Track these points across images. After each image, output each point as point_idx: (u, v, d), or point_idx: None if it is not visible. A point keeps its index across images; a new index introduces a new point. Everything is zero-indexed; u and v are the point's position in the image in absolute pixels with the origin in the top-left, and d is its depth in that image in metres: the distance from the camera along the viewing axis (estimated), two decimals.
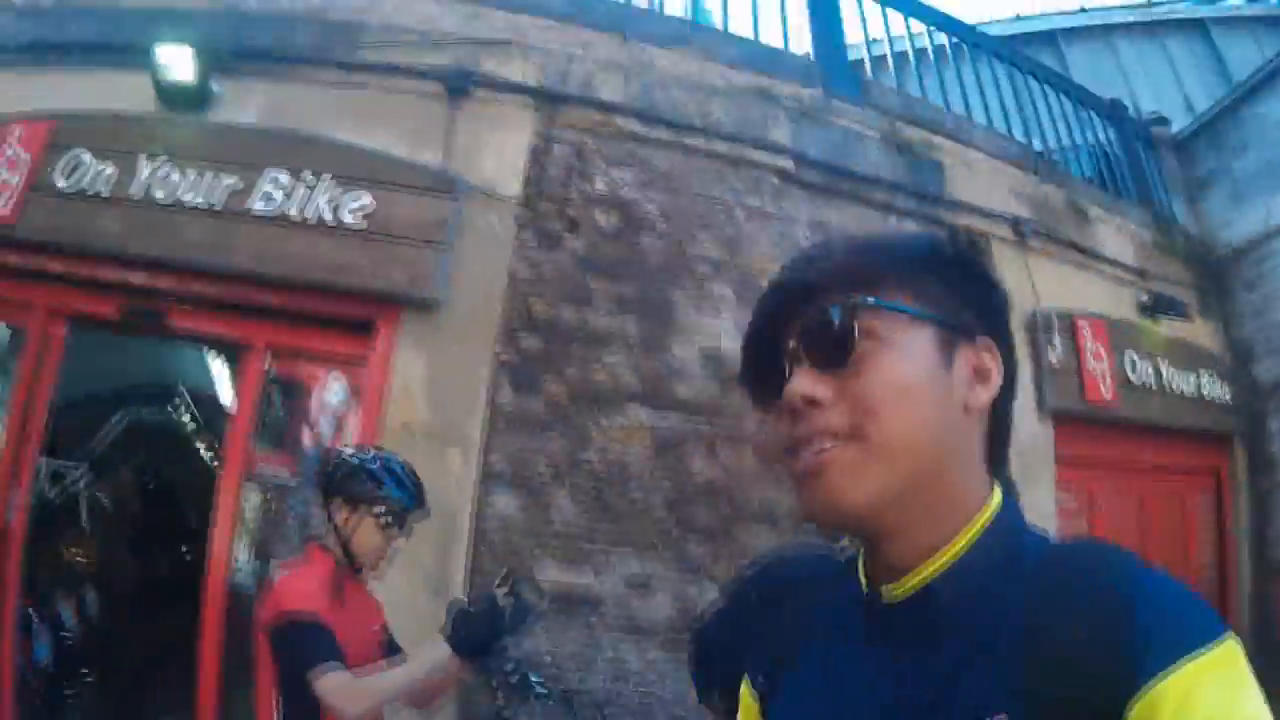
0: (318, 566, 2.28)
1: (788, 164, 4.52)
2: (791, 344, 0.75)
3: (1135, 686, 0.58)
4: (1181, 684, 0.57)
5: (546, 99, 4.40)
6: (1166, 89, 7.97)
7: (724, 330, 4.30)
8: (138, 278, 3.99)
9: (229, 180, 3.97)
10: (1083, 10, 9.41)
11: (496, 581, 2.20)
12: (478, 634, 2.07)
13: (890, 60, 6.05)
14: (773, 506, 4.21)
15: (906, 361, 0.73)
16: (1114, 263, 5.82)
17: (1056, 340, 5.05)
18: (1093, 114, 6.28)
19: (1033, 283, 5.19)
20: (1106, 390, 5.24)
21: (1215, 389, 5.99)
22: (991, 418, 0.77)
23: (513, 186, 4.28)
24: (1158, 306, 5.76)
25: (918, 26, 6.06)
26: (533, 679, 3.26)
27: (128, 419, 6.80)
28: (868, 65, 6.31)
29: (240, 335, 4.20)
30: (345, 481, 2.37)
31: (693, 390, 4.23)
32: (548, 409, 4.06)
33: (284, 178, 4.03)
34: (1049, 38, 9.22)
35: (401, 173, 4.11)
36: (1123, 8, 9.49)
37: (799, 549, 2.39)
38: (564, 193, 4.27)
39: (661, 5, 5.03)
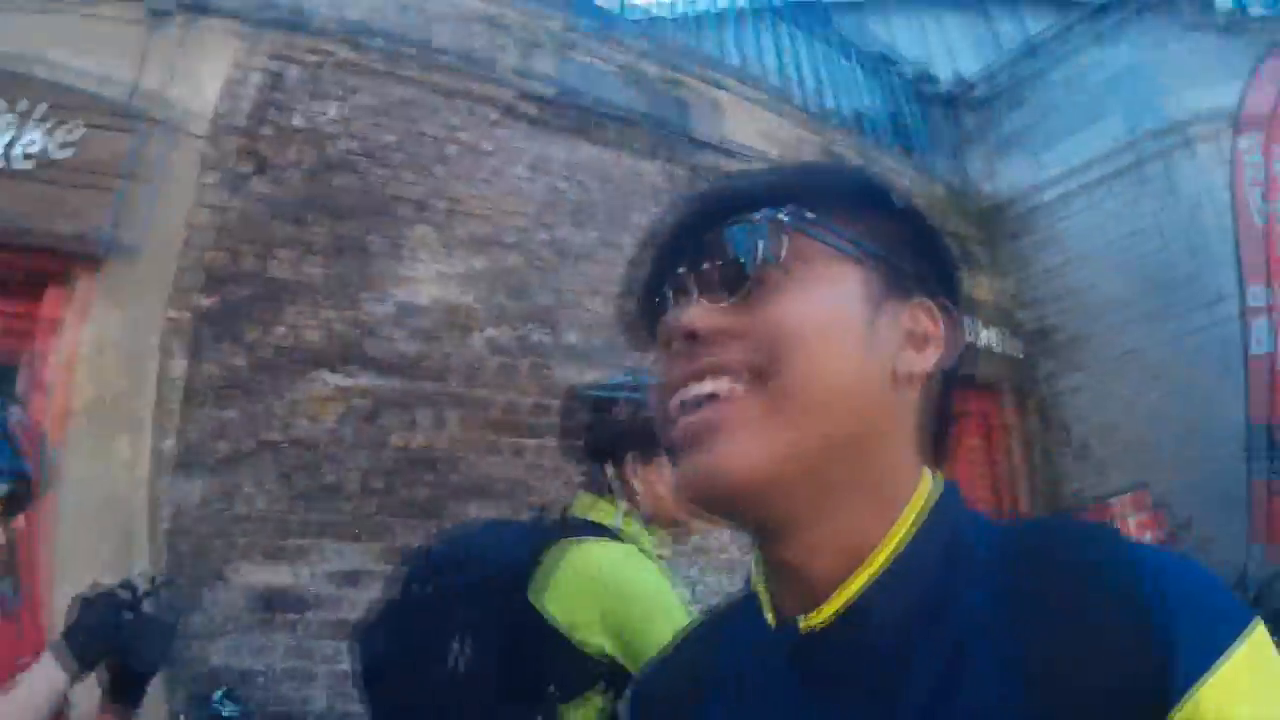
0: None
1: (511, 96, 4.41)
2: (680, 269, 0.65)
3: (1168, 705, 0.50)
4: (1218, 690, 0.50)
5: (250, 24, 4.31)
6: (940, 65, 8.29)
7: (424, 278, 4.30)
8: None
9: None
10: None
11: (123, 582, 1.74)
12: (93, 645, 1.56)
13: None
14: (489, 477, 4.17)
15: (825, 299, 0.62)
16: None
17: None
18: (860, 69, 6.23)
19: None
20: None
21: (985, 337, 6.37)
22: (925, 397, 0.66)
23: (202, 122, 4.12)
24: None
25: None
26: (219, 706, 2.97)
27: None
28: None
29: None
30: None
31: (388, 349, 4.15)
32: (225, 378, 3.85)
33: None
34: (876, 6, 9.80)
35: (83, 106, 3.87)
36: None
37: (485, 526, 2.40)
38: (256, 128, 4.21)
39: None
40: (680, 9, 6.11)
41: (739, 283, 0.61)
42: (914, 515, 0.61)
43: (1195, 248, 5.73)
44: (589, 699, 1.65)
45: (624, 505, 1.83)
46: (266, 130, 4.22)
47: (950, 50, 8.96)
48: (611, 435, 1.88)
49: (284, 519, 3.75)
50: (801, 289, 0.61)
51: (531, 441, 4.29)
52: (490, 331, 4.36)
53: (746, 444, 0.58)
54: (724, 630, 0.76)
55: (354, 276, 4.17)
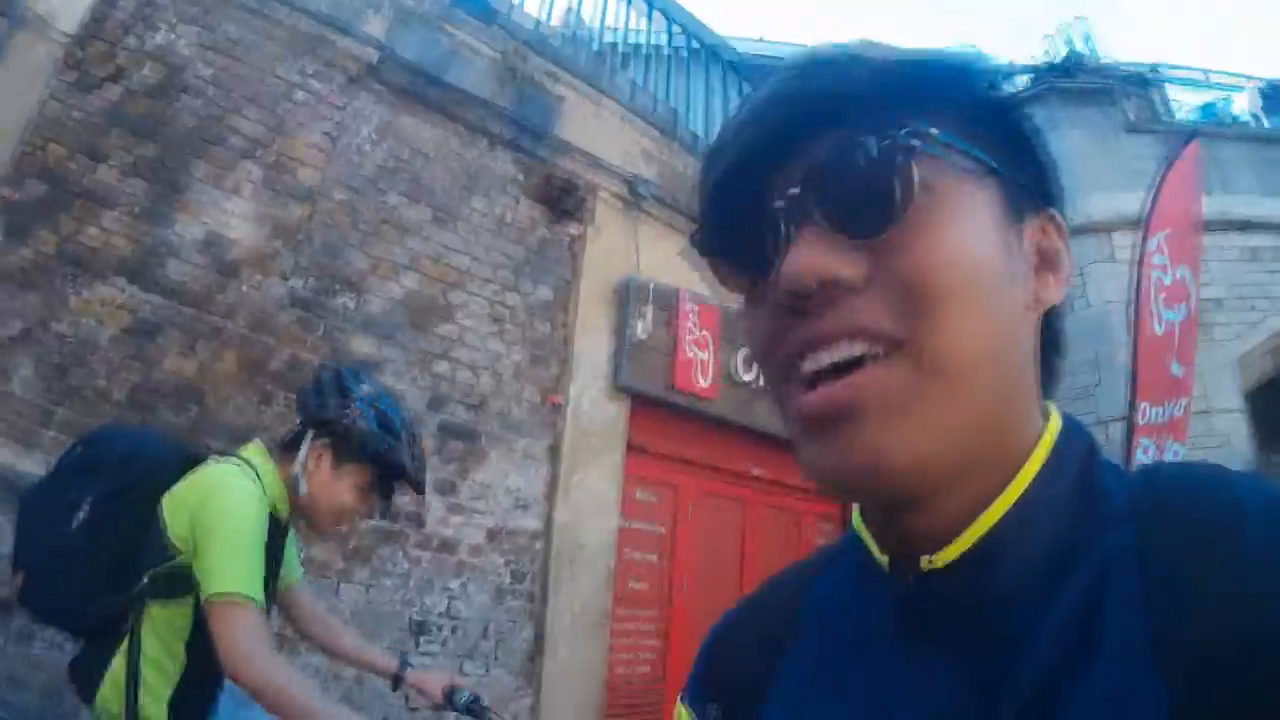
0: None
1: (371, 56, 4.70)
2: (793, 191, 0.57)
3: None
4: None
5: None
6: None
7: (237, 213, 4.78)
8: None
9: None
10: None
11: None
12: None
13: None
14: (246, 420, 4.47)
15: (972, 230, 0.57)
16: None
17: (649, 313, 5.00)
18: None
19: (637, 248, 5.10)
20: (703, 380, 5.21)
21: None
22: (1042, 319, 0.64)
23: (71, 22, 4.71)
24: None
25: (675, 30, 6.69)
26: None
27: None
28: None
29: None
30: None
31: (186, 273, 4.63)
32: (33, 262, 4.37)
33: None
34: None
35: None
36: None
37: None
38: (120, 38, 4.88)
39: None
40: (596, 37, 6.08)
41: (878, 219, 0.55)
42: (1045, 453, 0.59)
43: (1102, 359, 5.15)
44: (177, 604, 1.96)
45: (296, 470, 2.15)
46: (129, 42, 4.79)
47: None
48: (331, 422, 2.19)
49: (48, 409, 4.19)
50: (941, 224, 0.55)
51: None
52: (294, 282, 4.56)
53: (904, 431, 0.53)
54: (814, 577, 0.74)
55: (172, 198, 4.68)
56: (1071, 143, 6.43)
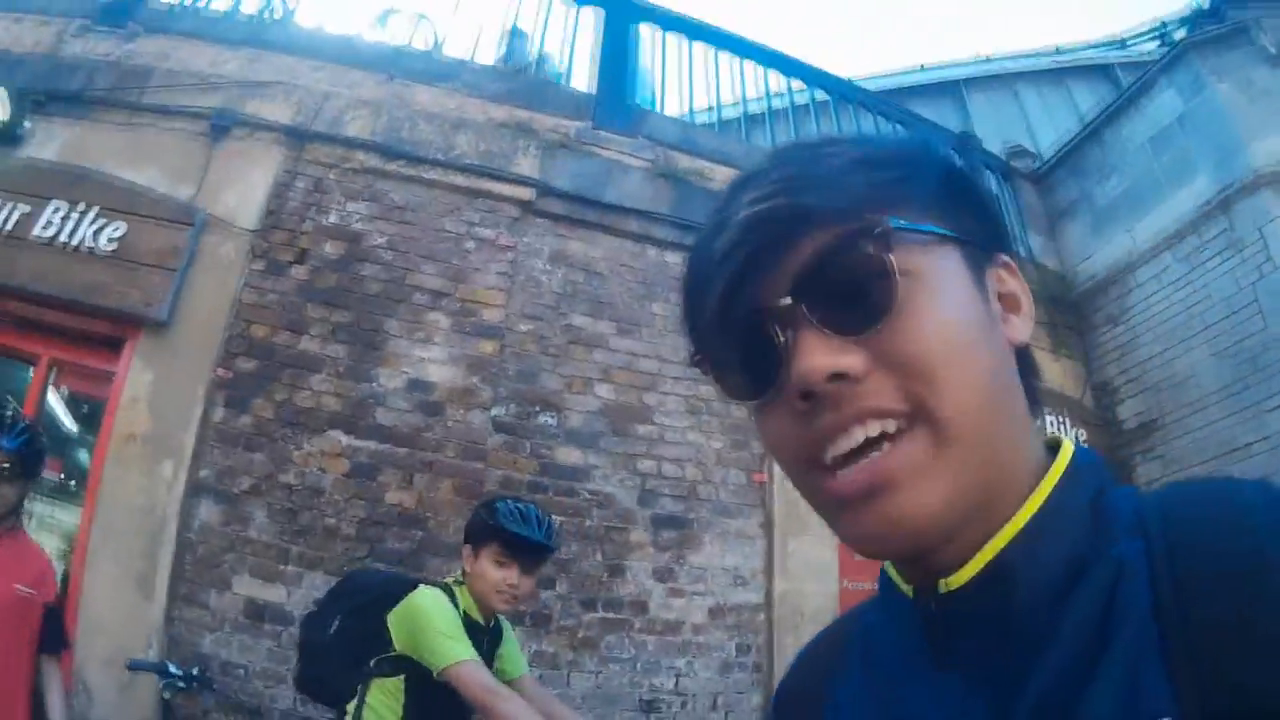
0: None
1: (528, 194, 5.00)
2: (784, 303, 0.62)
3: None
4: None
5: (295, 136, 5.54)
6: (1071, 131, 7.96)
7: (433, 359, 5.11)
8: None
9: (23, 208, 5.12)
10: (986, 59, 10.72)
11: None
12: None
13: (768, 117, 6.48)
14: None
15: (951, 300, 0.62)
16: None
17: None
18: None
19: None
20: None
21: (1069, 434, 5.89)
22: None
23: (251, 219, 5.30)
24: None
25: (796, 84, 6.99)
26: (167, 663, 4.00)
27: None
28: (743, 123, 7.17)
29: (30, 348, 5.27)
30: None
31: (394, 417, 4.99)
32: (255, 427, 4.86)
33: (64, 207, 5.16)
34: (952, 88, 10.49)
35: (153, 205, 5.21)
36: (1027, 55, 10.75)
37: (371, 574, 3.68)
38: (298, 225, 5.46)
39: (441, 43, 5.51)
40: (733, 110, 6.47)
41: (869, 316, 0.60)
42: (1057, 477, 0.63)
43: None
44: (390, 682, 2.71)
45: (463, 576, 2.92)
46: (307, 226, 5.34)
47: (1029, 126, 9.42)
48: (466, 531, 2.98)
49: (285, 548, 4.61)
50: (924, 303, 0.60)
51: None
52: (496, 411, 4.91)
53: (925, 493, 0.58)
54: (858, 619, 0.80)
55: (372, 354, 5.07)
56: (1221, 98, 6.11)
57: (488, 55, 6.00)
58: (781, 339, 0.60)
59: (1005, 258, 0.68)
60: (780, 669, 5.18)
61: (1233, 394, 5.76)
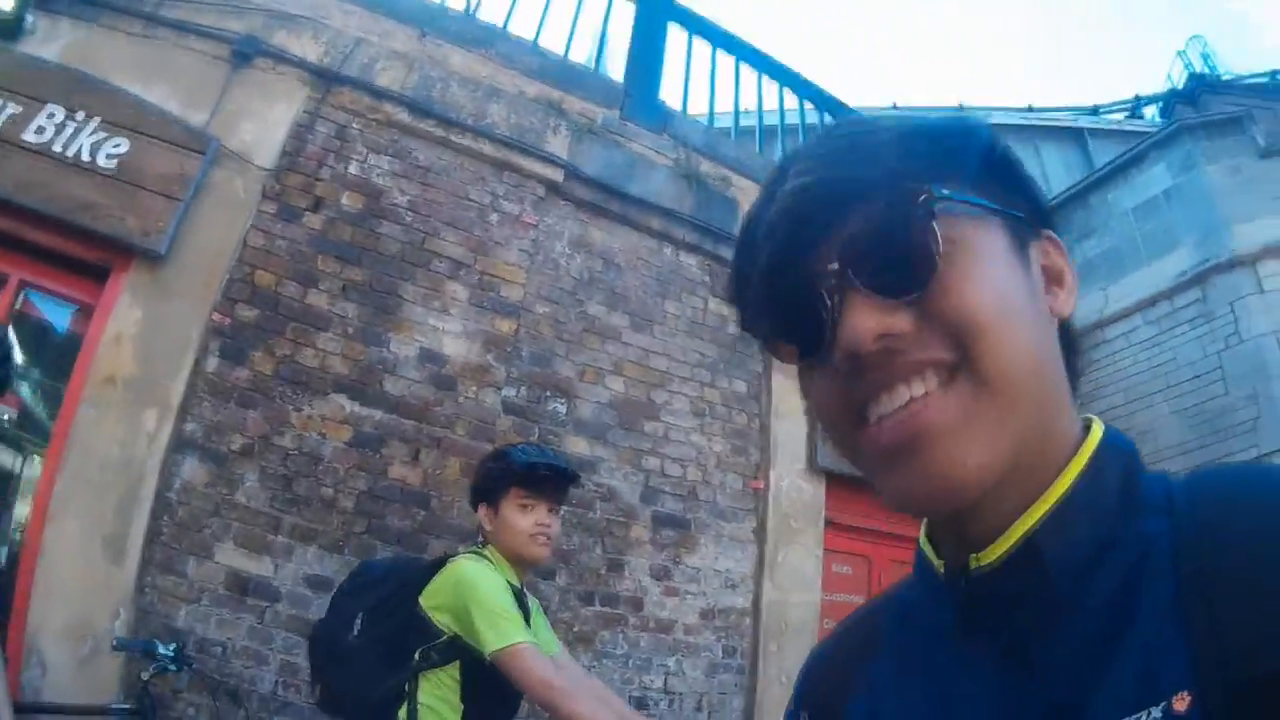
0: None
1: (557, 175, 4.96)
2: (833, 267, 0.64)
3: None
4: None
5: (322, 77, 5.26)
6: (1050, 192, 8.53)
7: (449, 330, 4.98)
8: None
9: (13, 108, 4.65)
10: (959, 107, 11.43)
11: None
12: None
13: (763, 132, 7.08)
14: (473, 522, 4.57)
15: (994, 266, 0.65)
16: None
17: None
18: None
19: None
20: None
21: None
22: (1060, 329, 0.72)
23: (269, 157, 5.02)
24: None
25: (808, 105, 7.10)
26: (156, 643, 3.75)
27: None
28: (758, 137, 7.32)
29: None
30: None
31: (404, 388, 4.83)
32: (251, 382, 4.59)
33: (59, 113, 4.71)
34: None
35: (162, 125, 4.82)
36: (999, 109, 11.36)
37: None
38: (316, 170, 5.18)
39: (476, 8, 5.39)
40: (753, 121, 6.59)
41: (915, 279, 0.62)
42: (1088, 456, 0.65)
43: (1260, 393, 5.59)
44: (442, 672, 2.49)
45: (484, 538, 2.72)
46: (324, 174, 5.10)
47: (1046, 179, 9.82)
48: (478, 489, 2.79)
49: (276, 517, 4.37)
50: (967, 268, 0.63)
51: None
52: (507, 392, 4.90)
53: (963, 448, 0.60)
54: (892, 599, 0.83)
55: (385, 318, 4.90)
56: (1209, 179, 6.62)
57: (520, 27, 5.95)
58: (829, 303, 0.63)
59: (1049, 233, 0.72)
60: (764, 673, 5.41)
61: (1187, 451, 6.22)
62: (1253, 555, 0.53)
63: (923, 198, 0.61)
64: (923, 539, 0.74)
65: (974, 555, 0.64)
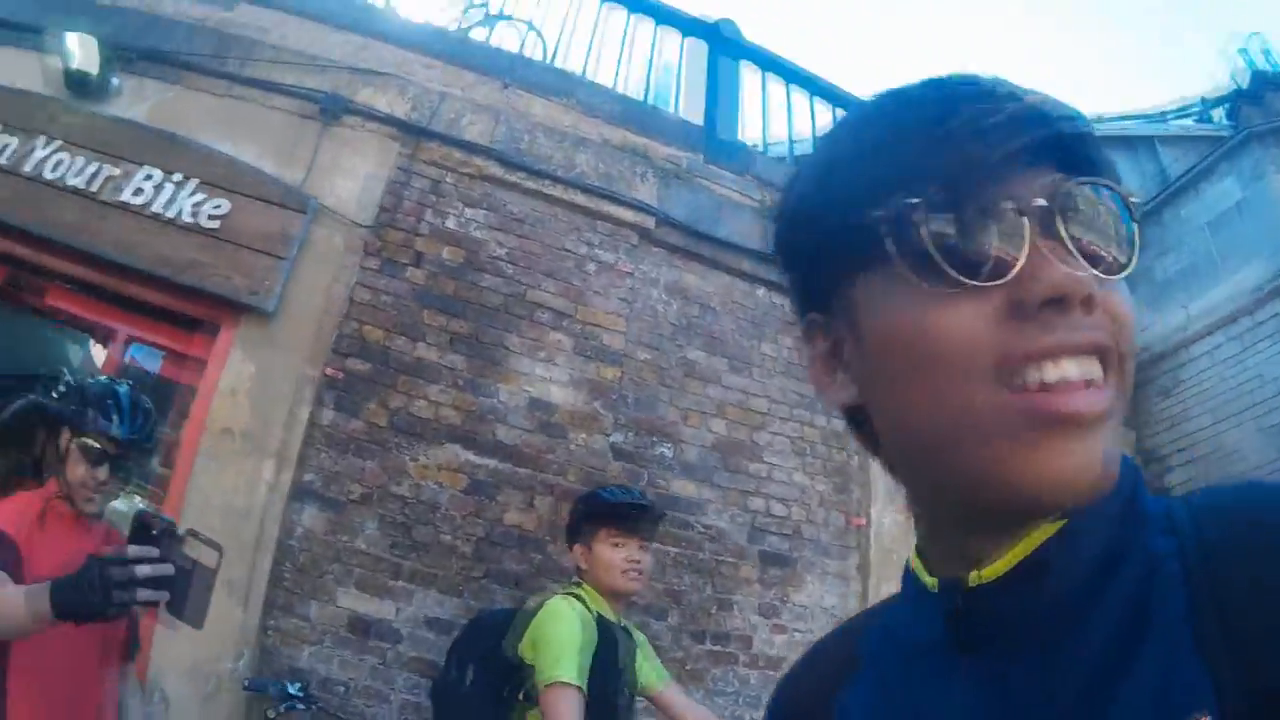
0: (33, 493, 2.45)
1: (649, 222, 5.02)
2: (1039, 203, 0.59)
3: None
4: None
5: (411, 132, 5.32)
6: None
7: (555, 379, 5.03)
8: (20, 250, 4.64)
9: (110, 170, 4.73)
10: None
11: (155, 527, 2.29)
12: (80, 602, 2.01)
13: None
14: None
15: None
16: None
17: None
18: None
19: None
20: None
21: None
22: None
23: (365, 213, 5.08)
24: None
25: None
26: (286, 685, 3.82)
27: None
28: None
29: (106, 321, 4.88)
30: (64, 403, 2.48)
31: (516, 436, 4.88)
32: (366, 434, 4.65)
33: (157, 175, 4.77)
34: None
35: (258, 185, 4.91)
36: None
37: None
38: (414, 225, 5.18)
39: (553, 56, 5.42)
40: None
41: (1122, 263, 0.60)
42: None
43: None
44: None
45: (580, 577, 2.92)
46: (423, 228, 5.14)
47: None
48: (570, 531, 3.02)
49: (397, 562, 4.46)
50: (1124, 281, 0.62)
51: None
52: (615, 437, 5.10)
53: (1108, 446, 0.57)
54: (875, 615, 0.81)
55: (493, 369, 4.94)
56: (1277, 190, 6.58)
57: (600, 74, 5.96)
58: (1028, 233, 0.57)
59: None
60: None
61: (1277, 470, 6.04)
62: (1267, 571, 0.52)
63: (1133, 199, 0.61)
64: (913, 556, 0.71)
65: (975, 570, 0.62)
